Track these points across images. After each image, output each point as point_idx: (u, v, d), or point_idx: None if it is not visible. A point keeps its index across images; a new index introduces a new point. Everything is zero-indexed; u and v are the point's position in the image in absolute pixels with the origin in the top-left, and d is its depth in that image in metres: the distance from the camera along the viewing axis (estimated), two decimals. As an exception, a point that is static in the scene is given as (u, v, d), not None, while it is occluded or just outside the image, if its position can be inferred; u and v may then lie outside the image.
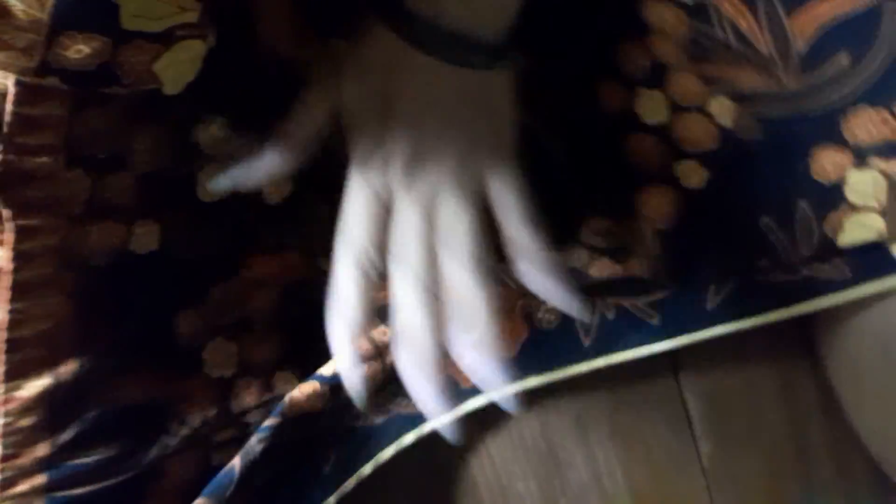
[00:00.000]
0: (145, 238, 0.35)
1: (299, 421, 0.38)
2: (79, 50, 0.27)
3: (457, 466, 0.45)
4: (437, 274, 0.33)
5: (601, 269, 0.41)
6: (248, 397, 0.38)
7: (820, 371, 0.43)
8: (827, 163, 0.36)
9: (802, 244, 0.38)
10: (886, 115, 0.34)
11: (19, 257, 0.31)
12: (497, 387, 0.32)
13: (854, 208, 0.36)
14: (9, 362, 0.31)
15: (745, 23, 0.34)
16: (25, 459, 0.32)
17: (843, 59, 0.33)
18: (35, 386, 0.32)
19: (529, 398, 0.43)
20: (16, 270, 0.31)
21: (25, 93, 0.29)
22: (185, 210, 0.36)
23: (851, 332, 0.40)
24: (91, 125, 0.32)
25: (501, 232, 0.34)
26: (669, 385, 0.44)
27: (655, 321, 0.40)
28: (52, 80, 0.28)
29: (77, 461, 0.33)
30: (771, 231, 0.38)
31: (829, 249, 0.37)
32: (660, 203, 0.39)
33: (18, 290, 0.31)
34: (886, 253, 0.37)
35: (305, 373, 0.39)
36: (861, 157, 0.35)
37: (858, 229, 0.37)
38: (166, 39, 0.29)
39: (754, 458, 0.43)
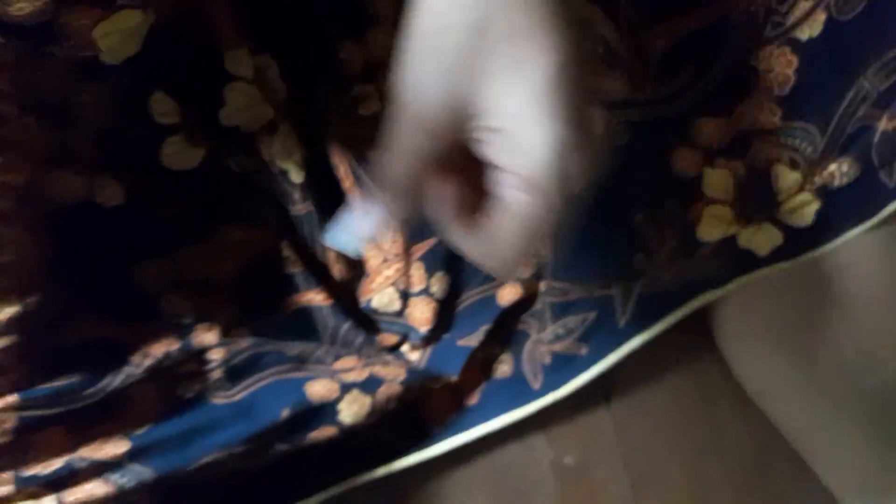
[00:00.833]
0: (109, 192, 0.37)
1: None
2: (21, 8, 0.28)
3: (418, 487, 0.49)
4: None
5: (508, 295, 0.46)
6: (209, 337, 0.40)
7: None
8: (685, 161, 0.43)
9: (669, 236, 0.44)
10: (725, 121, 0.41)
11: None
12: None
13: (710, 201, 0.43)
14: None
15: (612, 37, 0.39)
16: None
17: (691, 69, 0.40)
18: (5, 312, 0.33)
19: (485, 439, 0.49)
20: None
21: None
22: (149, 174, 0.38)
23: (728, 311, 0.47)
24: (37, 76, 0.33)
25: None
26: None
27: (584, 352, 0.46)
28: None
29: (46, 385, 0.34)
30: (643, 226, 0.44)
31: (690, 241, 0.44)
32: None
33: None
34: (751, 253, 0.43)
35: (259, 333, 0.42)
36: (710, 157, 0.42)
37: (712, 220, 0.43)
38: (106, 5, 0.30)
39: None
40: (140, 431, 0.36)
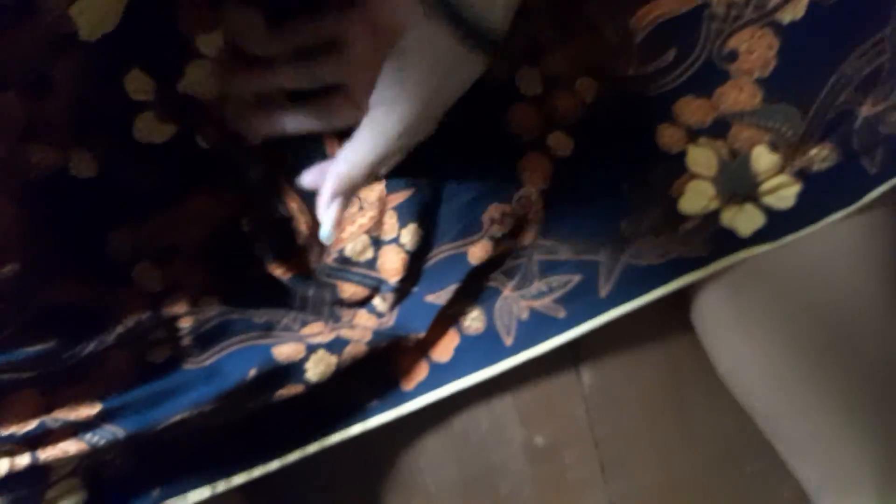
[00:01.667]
0: (83, 165, 0.38)
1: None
2: None
3: (391, 460, 0.51)
4: None
5: (479, 252, 0.46)
6: (178, 307, 0.42)
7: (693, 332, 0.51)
8: (669, 138, 0.43)
9: (654, 205, 0.44)
10: (706, 102, 0.41)
11: None
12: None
13: (693, 175, 0.43)
14: None
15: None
16: None
17: (671, 53, 0.40)
18: None
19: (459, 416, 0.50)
20: None
21: None
22: (122, 147, 0.40)
23: (709, 295, 0.47)
24: (15, 51, 0.34)
25: None
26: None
27: (562, 315, 0.46)
28: None
29: (22, 349, 0.36)
30: (630, 194, 0.44)
31: (674, 213, 0.44)
32: (538, 168, 0.45)
33: None
34: (733, 234, 0.43)
35: (228, 301, 0.43)
36: (693, 135, 0.42)
37: (695, 195, 0.43)
38: None
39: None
40: (112, 395, 0.38)
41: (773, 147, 0.41)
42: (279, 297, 0.45)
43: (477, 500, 0.51)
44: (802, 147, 0.41)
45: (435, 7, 0.34)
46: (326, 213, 0.38)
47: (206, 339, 0.42)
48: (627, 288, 0.45)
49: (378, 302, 0.46)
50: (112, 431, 0.37)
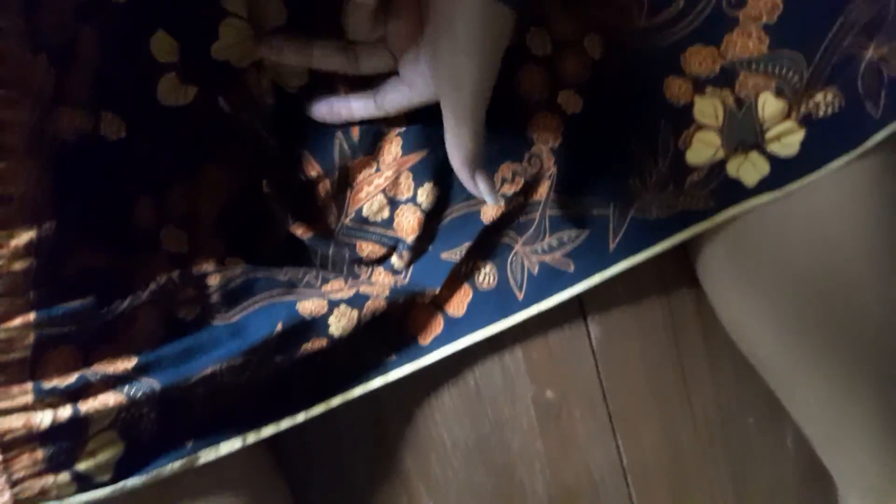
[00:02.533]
0: (114, 126, 0.40)
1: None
2: None
3: (403, 419, 0.53)
4: None
5: (491, 211, 0.47)
6: (206, 265, 0.43)
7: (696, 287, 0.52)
8: (676, 90, 0.43)
9: (661, 160, 0.45)
10: (714, 51, 0.42)
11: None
12: None
13: (700, 126, 0.44)
14: (1, 214, 0.35)
15: None
16: (18, 299, 0.36)
17: (680, 2, 0.40)
18: (24, 237, 0.35)
19: (471, 371, 0.52)
20: None
21: None
22: (146, 110, 0.41)
23: (715, 249, 0.47)
24: (45, 15, 0.35)
25: None
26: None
27: (571, 269, 0.47)
28: None
29: (60, 306, 0.37)
30: (638, 149, 0.45)
31: (681, 166, 0.45)
32: (548, 126, 0.46)
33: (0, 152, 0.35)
34: (739, 184, 0.44)
35: (252, 261, 0.45)
36: (700, 85, 0.43)
37: (701, 145, 0.44)
38: None
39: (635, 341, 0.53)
40: (146, 350, 0.39)
41: (779, 93, 0.41)
42: (300, 256, 0.46)
43: (490, 454, 0.53)
44: (808, 92, 0.41)
45: None
46: (479, 189, 0.40)
47: (233, 296, 0.43)
48: (635, 241, 0.46)
49: (395, 260, 0.47)
50: (148, 384, 0.39)
